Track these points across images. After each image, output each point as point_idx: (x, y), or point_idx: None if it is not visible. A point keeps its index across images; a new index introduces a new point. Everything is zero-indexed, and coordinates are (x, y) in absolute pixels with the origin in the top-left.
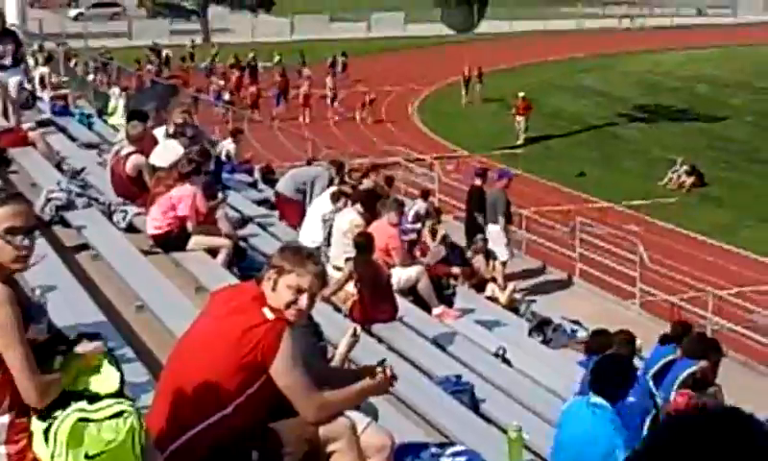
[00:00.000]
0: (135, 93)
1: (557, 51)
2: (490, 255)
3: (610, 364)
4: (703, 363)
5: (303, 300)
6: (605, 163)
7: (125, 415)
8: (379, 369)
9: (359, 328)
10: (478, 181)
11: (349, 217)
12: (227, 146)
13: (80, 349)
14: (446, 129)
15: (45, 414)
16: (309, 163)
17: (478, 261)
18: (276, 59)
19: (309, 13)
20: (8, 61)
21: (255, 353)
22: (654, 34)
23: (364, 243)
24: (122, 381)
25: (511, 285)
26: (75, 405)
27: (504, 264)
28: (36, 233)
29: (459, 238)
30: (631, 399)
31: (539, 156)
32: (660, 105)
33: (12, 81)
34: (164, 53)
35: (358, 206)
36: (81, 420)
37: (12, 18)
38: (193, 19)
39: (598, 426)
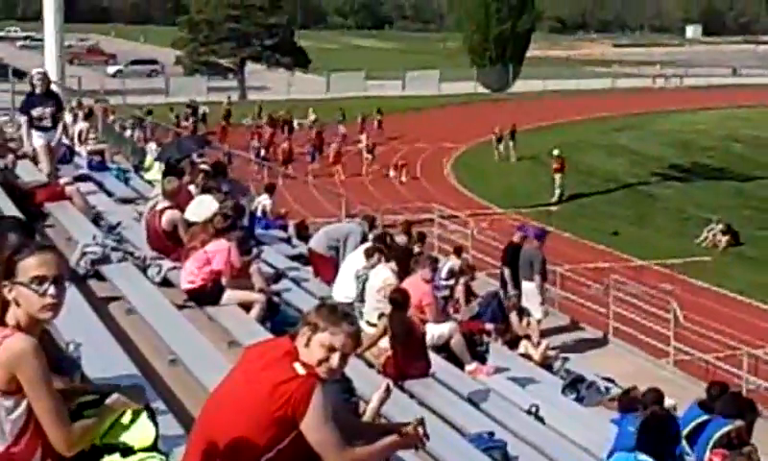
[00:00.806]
0: (169, 145)
1: (591, 110)
2: (523, 312)
3: (657, 422)
4: (738, 422)
5: (335, 359)
6: (639, 222)
7: None
8: (412, 423)
9: (392, 384)
10: (516, 238)
11: (383, 275)
12: (262, 201)
13: (109, 401)
14: (480, 186)
15: None
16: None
17: (512, 318)
18: (312, 117)
19: (345, 71)
20: (48, 123)
21: (286, 409)
22: (688, 93)
23: (399, 299)
24: (157, 436)
25: (544, 342)
26: (108, 457)
27: (539, 322)
28: (64, 283)
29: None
30: None
31: (572, 213)
32: (695, 163)
33: (51, 139)
34: (201, 110)
35: (392, 264)
36: None
37: (51, 75)
38: (230, 77)
39: None
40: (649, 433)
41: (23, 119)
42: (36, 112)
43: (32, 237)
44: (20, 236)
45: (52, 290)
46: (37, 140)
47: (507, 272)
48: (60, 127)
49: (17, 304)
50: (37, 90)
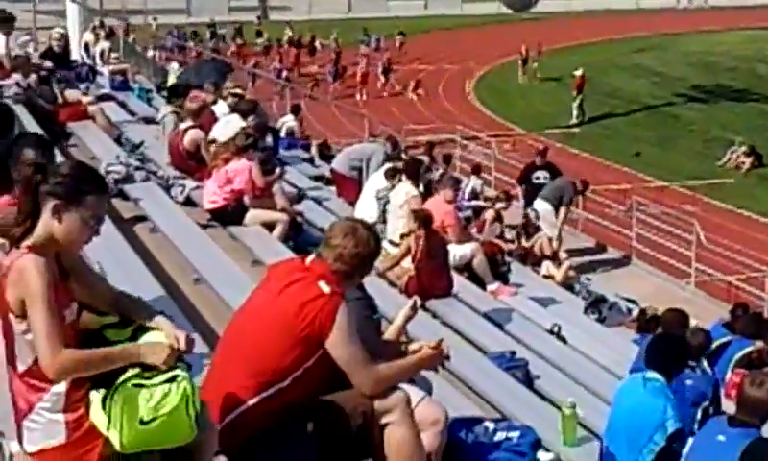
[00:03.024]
0: (191, 69)
1: (615, 30)
2: (538, 230)
3: (664, 342)
4: (759, 343)
5: None
6: (662, 143)
7: (178, 380)
8: (433, 344)
9: (419, 301)
10: (538, 161)
11: (405, 189)
12: (288, 122)
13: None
14: (504, 107)
15: (103, 383)
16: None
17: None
18: (333, 36)
19: None
20: None
21: (312, 327)
22: (713, 13)
23: (425, 216)
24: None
25: (566, 263)
26: (130, 371)
27: (550, 241)
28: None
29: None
30: (688, 381)
31: (596, 135)
32: (719, 85)
33: None
34: (221, 31)
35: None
36: (135, 386)
37: None
38: None
39: (650, 398)
40: (656, 352)
41: None
42: None
43: (51, 154)
44: (39, 153)
45: (98, 229)
46: None
47: (519, 190)
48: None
49: (58, 224)
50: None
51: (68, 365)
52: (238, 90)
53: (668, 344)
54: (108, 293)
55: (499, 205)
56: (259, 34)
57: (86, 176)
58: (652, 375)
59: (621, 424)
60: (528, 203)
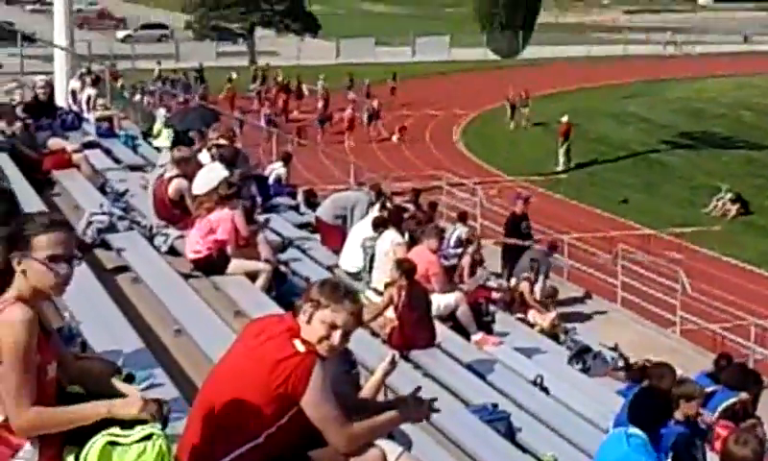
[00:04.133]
0: (177, 114)
1: (602, 77)
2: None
3: (647, 396)
4: (743, 395)
5: (337, 337)
6: (648, 190)
7: (153, 438)
8: (410, 398)
9: (397, 356)
10: (518, 209)
11: (390, 237)
12: (277, 169)
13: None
14: (490, 153)
15: (77, 440)
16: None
17: (522, 286)
18: (320, 82)
19: (355, 37)
20: None
21: (286, 386)
22: (699, 61)
23: (409, 267)
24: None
25: (553, 312)
26: (106, 430)
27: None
28: (75, 262)
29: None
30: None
31: (581, 181)
32: (705, 132)
33: None
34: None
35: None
36: (109, 443)
37: (60, 40)
38: (240, 42)
39: (633, 455)
40: (639, 406)
41: None
42: None
43: (14, 205)
44: (1, 205)
45: (65, 269)
46: None
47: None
48: None
49: (24, 276)
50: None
51: (35, 422)
52: (222, 141)
53: (652, 399)
54: (74, 366)
55: (471, 248)
56: (254, 79)
57: (28, 218)
58: (634, 431)
59: None
60: (518, 255)
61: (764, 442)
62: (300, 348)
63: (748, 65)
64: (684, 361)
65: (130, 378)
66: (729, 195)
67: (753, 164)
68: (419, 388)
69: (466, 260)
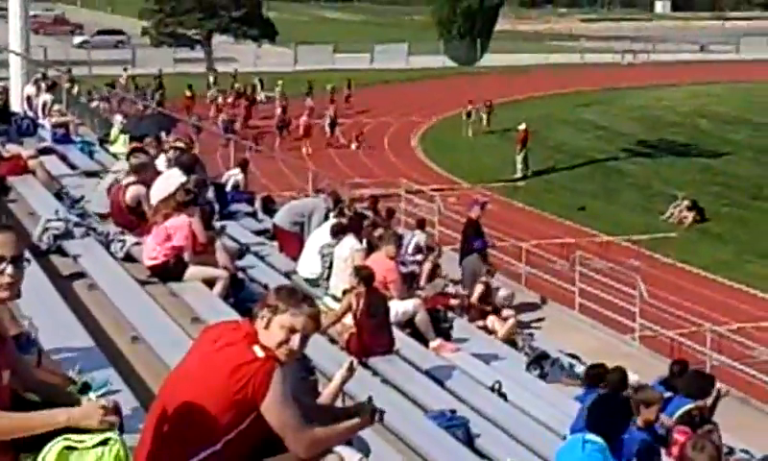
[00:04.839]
0: (133, 120)
1: (559, 85)
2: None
3: (605, 403)
4: (699, 402)
5: (296, 340)
6: (606, 197)
7: (110, 443)
8: (365, 406)
9: (356, 362)
10: (473, 214)
11: (349, 244)
12: (235, 176)
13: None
14: (448, 160)
15: (33, 447)
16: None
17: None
18: (278, 89)
19: (313, 44)
20: None
21: (246, 392)
22: (656, 69)
23: (367, 274)
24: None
25: (512, 320)
26: (62, 436)
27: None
28: (23, 263)
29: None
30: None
31: (539, 189)
32: (662, 140)
33: None
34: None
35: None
36: (66, 448)
37: (15, 45)
38: (197, 48)
39: None
40: (597, 413)
41: None
42: None
43: None
44: None
45: (10, 270)
46: None
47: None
48: None
49: None
50: None
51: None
52: (179, 144)
53: (610, 405)
54: (31, 374)
55: (431, 256)
56: (209, 86)
57: None
58: (591, 437)
59: None
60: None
61: (721, 448)
62: (260, 353)
63: (704, 74)
64: (643, 367)
65: (86, 386)
66: (685, 202)
67: (709, 172)
68: (370, 398)
69: (426, 266)
